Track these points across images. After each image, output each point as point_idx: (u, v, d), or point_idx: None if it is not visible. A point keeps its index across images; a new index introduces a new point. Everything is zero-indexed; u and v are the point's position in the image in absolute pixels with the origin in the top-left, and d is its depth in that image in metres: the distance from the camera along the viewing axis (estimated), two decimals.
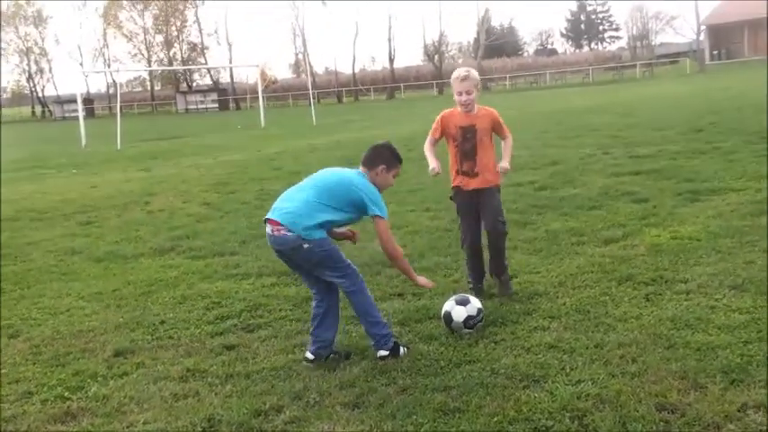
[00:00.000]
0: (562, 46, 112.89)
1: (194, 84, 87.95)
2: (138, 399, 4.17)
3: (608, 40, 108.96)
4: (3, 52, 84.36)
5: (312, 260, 4.40)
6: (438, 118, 5.53)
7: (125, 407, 4.08)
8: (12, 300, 6.50)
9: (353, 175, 4.52)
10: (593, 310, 5.02)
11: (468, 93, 5.34)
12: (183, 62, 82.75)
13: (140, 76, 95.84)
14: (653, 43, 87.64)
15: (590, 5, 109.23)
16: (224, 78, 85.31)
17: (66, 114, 71.54)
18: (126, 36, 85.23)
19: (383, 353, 4.42)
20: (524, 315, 5.03)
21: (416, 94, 69.58)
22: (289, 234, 4.32)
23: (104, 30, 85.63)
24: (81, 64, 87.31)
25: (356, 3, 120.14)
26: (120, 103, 38.00)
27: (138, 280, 6.85)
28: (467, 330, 4.71)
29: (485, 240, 5.62)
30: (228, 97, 78.11)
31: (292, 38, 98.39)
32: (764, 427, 3.33)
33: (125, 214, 10.81)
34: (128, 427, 3.85)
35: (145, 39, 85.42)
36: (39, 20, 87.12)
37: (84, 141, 27.63)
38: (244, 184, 13.15)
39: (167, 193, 12.65)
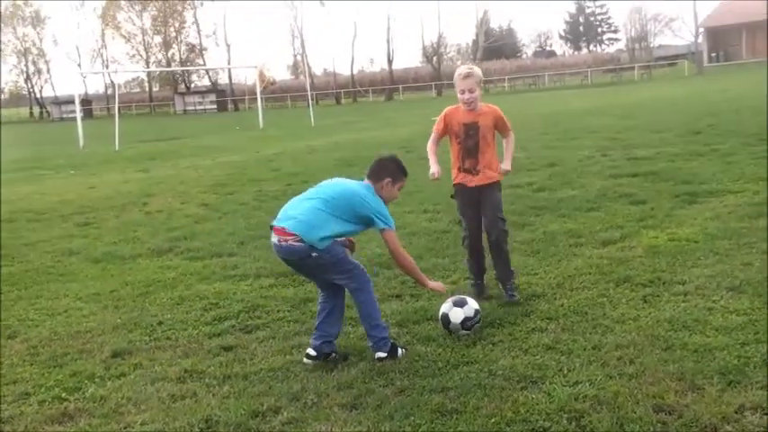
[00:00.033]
0: (561, 48, 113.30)
1: (193, 85, 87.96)
2: (136, 399, 4.16)
3: (606, 42, 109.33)
4: (1, 53, 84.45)
5: (320, 267, 4.43)
6: (442, 114, 5.54)
7: (122, 408, 4.08)
8: (9, 300, 6.48)
9: (360, 188, 4.51)
10: (591, 311, 5.03)
11: (470, 90, 5.34)
12: (182, 63, 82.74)
13: (138, 77, 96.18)
14: (651, 45, 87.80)
15: (588, 7, 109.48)
16: (222, 79, 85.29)
17: (64, 115, 71.40)
18: (124, 37, 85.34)
19: (381, 355, 4.42)
20: (522, 316, 5.03)
21: (415, 96, 69.63)
22: (297, 244, 4.31)
23: (102, 30, 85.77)
24: (79, 65, 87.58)
25: (355, 3, 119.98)
26: (119, 104, 38.02)
27: (135, 281, 6.84)
28: (464, 332, 4.71)
29: (484, 240, 5.62)
30: (227, 98, 78.04)
31: (291, 39, 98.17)
32: (762, 429, 3.33)
33: (123, 215, 10.80)
34: (125, 428, 3.84)
35: (143, 39, 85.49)
36: (37, 20, 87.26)
37: (82, 142, 27.61)
38: (242, 186, 13.13)
39: (165, 194, 12.64)
